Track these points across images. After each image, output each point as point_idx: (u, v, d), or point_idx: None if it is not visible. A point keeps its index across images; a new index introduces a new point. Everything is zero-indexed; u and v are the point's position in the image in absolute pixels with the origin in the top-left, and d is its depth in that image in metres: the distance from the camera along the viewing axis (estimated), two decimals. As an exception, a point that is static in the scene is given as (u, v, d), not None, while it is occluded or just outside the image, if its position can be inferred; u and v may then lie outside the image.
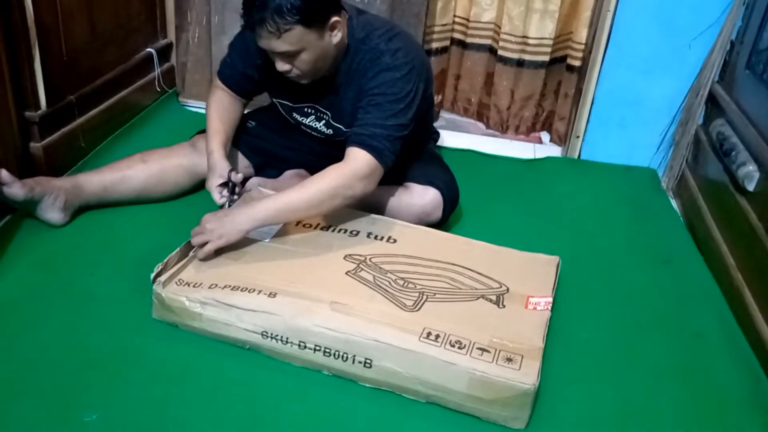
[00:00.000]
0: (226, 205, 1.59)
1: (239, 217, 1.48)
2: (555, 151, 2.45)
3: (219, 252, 1.49)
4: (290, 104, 1.73)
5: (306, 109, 1.72)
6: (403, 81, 1.54)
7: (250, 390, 1.27)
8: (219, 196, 1.59)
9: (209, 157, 1.64)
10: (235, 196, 1.60)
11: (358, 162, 1.50)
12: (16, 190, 1.55)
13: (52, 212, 1.63)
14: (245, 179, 1.69)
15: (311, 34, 1.45)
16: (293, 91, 1.67)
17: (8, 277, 1.48)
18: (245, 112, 1.93)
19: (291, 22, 1.40)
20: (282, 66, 1.50)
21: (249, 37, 1.56)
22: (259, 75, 1.69)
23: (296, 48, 1.45)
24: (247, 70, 1.70)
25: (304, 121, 1.75)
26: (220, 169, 1.60)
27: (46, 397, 1.21)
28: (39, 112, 1.74)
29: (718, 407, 1.35)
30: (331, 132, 1.72)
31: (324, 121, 1.71)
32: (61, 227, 1.65)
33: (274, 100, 1.79)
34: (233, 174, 1.59)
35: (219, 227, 1.46)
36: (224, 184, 1.59)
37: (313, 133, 1.76)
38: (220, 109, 1.72)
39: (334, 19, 1.48)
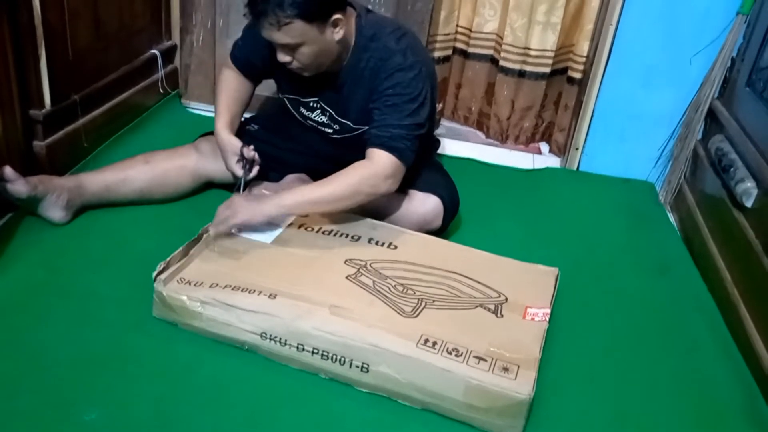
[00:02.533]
0: (242, 180, 1.67)
1: (266, 203, 1.55)
2: (554, 161, 2.46)
3: (222, 253, 1.50)
4: (299, 98, 1.75)
5: (311, 104, 1.74)
6: (416, 80, 1.57)
7: (248, 391, 1.28)
8: (241, 170, 1.68)
9: (216, 137, 1.72)
10: (253, 171, 1.69)
11: (381, 163, 1.55)
12: (20, 187, 1.56)
13: (54, 210, 1.64)
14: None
15: (312, 29, 1.48)
16: (299, 85, 1.69)
17: (10, 274, 1.49)
18: (248, 115, 1.95)
19: (291, 15, 1.43)
20: (283, 57, 1.54)
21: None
22: (265, 65, 1.72)
23: (296, 41, 1.48)
24: (255, 59, 1.73)
25: (310, 116, 1.77)
26: (231, 147, 1.69)
27: (47, 395, 1.21)
28: (43, 110, 1.74)
29: (713, 420, 1.36)
30: (338, 128, 1.74)
31: (328, 115, 1.73)
32: (62, 226, 1.66)
33: (281, 95, 1.81)
34: (246, 150, 1.67)
35: (246, 207, 1.54)
36: (240, 160, 1.67)
37: (320, 128, 1.78)
38: (228, 88, 1.79)
39: (337, 16, 1.51)
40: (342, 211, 1.64)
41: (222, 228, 1.52)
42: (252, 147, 1.68)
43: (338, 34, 1.53)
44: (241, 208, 1.54)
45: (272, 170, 1.85)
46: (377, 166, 1.55)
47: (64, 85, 1.81)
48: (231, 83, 1.79)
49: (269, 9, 1.42)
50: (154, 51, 2.28)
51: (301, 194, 1.57)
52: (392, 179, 1.57)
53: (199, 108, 2.46)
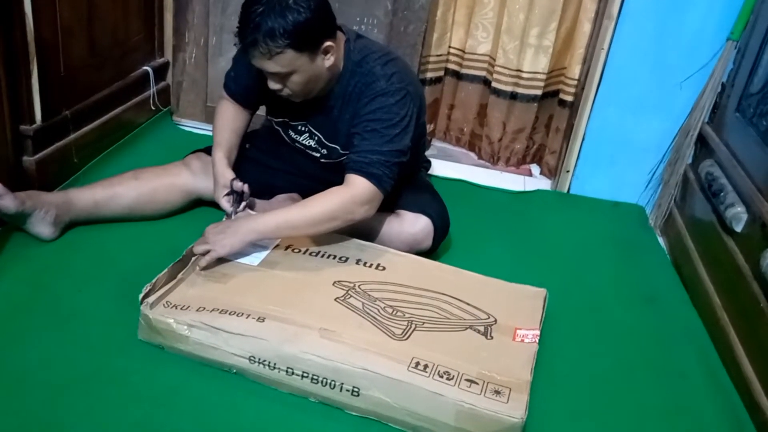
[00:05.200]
0: (232, 215, 1.64)
1: (241, 228, 1.53)
2: (545, 184, 2.47)
3: (209, 276, 1.49)
4: (287, 120, 1.74)
5: (300, 127, 1.74)
6: (398, 106, 1.57)
7: (235, 415, 1.26)
8: (228, 205, 1.66)
9: (213, 167, 1.70)
10: (241, 205, 1.66)
11: (357, 189, 1.53)
12: (8, 202, 1.54)
13: (42, 226, 1.62)
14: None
15: (302, 58, 1.48)
16: (288, 108, 1.69)
17: (-6, 291, 1.47)
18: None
19: (282, 45, 1.43)
20: (273, 85, 1.54)
21: None
22: (260, 88, 1.70)
23: (287, 70, 1.49)
24: (252, 84, 1.72)
25: (298, 139, 1.76)
26: (223, 180, 1.67)
27: (29, 415, 1.19)
28: (33, 126, 1.74)
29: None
30: (326, 152, 1.74)
31: (316, 140, 1.73)
32: (50, 242, 1.64)
33: (269, 117, 1.81)
34: (236, 183, 1.65)
35: (222, 237, 1.51)
36: (230, 193, 1.65)
37: (308, 151, 1.77)
38: (225, 119, 1.78)
39: (327, 43, 1.51)
40: (318, 234, 1.63)
41: (203, 264, 1.50)
42: (245, 184, 1.66)
43: (329, 61, 1.54)
44: (217, 240, 1.51)
45: (263, 190, 1.84)
46: (354, 192, 1.54)
47: (56, 101, 1.80)
48: (228, 113, 1.78)
49: (260, 39, 1.42)
50: (146, 68, 2.28)
51: (275, 219, 1.55)
52: (368, 205, 1.56)
53: (191, 125, 2.46)
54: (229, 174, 1.67)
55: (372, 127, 1.56)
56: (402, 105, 1.57)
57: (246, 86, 1.74)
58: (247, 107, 1.79)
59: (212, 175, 1.70)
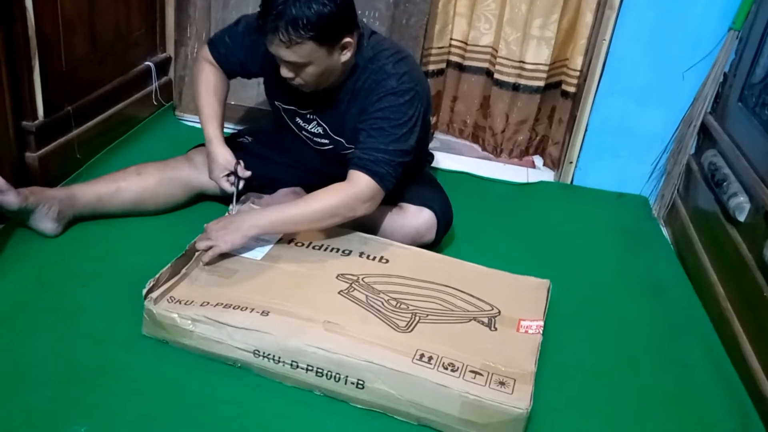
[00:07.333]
0: (233, 210, 1.63)
1: (243, 224, 1.53)
2: (548, 175, 2.46)
3: (213, 271, 1.49)
4: (296, 109, 1.73)
5: (308, 116, 1.73)
6: (407, 106, 1.56)
7: (240, 409, 1.26)
8: (228, 184, 1.64)
9: (208, 144, 1.67)
10: (241, 185, 1.65)
11: (360, 186, 1.53)
12: (11, 198, 1.54)
13: (46, 222, 1.62)
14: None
15: (321, 50, 1.46)
16: (297, 96, 1.68)
17: (-1, 287, 1.47)
18: (240, 127, 1.94)
19: (304, 36, 1.41)
20: (286, 73, 1.52)
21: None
22: (261, 73, 1.70)
23: (304, 61, 1.47)
24: (248, 62, 1.71)
25: (306, 127, 1.75)
26: (224, 162, 1.65)
27: (34, 410, 1.20)
28: (36, 122, 1.74)
29: (706, 438, 1.35)
30: (331, 144, 1.73)
31: (322, 130, 1.72)
32: (53, 238, 1.64)
33: (277, 103, 1.78)
34: (240, 168, 1.64)
35: (224, 233, 1.51)
36: (230, 174, 1.64)
37: (315, 138, 1.76)
38: (211, 87, 1.73)
39: (347, 39, 1.50)
40: (319, 230, 1.63)
41: (206, 259, 1.50)
42: (248, 172, 1.65)
43: (345, 56, 1.53)
44: (219, 236, 1.51)
45: (266, 184, 1.84)
46: (356, 190, 1.54)
47: (58, 97, 1.81)
48: (212, 81, 1.74)
49: (281, 26, 1.40)
50: (148, 63, 2.28)
51: (277, 214, 1.55)
52: (370, 203, 1.56)
53: (193, 120, 2.45)
54: (231, 157, 1.66)
55: (379, 125, 1.56)
56: (410, 105, 1.57)
57: (242, 62, 1.72)
58: (229, 75, 1.77)
59: (207, 152, 1.67)
